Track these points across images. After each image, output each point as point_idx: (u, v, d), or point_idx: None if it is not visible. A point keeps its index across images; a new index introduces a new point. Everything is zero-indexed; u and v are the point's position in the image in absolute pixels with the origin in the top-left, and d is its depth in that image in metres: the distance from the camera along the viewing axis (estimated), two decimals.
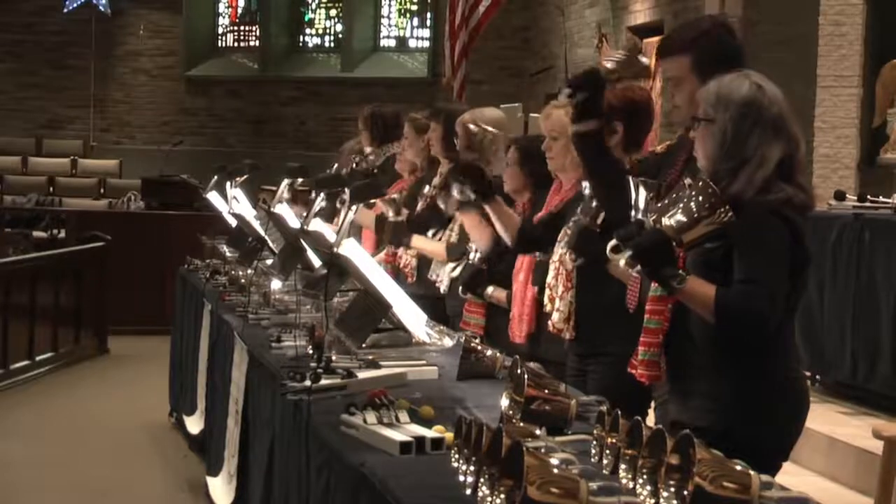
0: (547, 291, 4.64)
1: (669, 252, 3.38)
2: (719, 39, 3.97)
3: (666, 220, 3.37)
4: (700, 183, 3.38)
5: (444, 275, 5.90)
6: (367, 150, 7.38)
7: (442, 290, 5.88)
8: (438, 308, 5.72)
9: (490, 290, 5.44)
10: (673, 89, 3.99)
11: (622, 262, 3.41)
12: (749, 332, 3.43)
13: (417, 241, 6.13)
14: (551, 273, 4.62)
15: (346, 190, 4.85)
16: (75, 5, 18.84)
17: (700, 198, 3.34)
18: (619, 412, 3.05)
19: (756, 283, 3.37)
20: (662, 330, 3.59)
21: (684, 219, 3.35)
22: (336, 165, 7.69)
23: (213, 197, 7.98)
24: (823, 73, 9.85)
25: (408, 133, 6.79)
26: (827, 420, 6.86)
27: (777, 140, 3.46)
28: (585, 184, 4.34)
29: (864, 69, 9.88)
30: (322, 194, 5.51)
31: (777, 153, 3.45)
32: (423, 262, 6.20)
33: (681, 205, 3.36)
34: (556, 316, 4.58)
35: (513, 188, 5.28)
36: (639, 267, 3.40)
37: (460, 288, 5.57)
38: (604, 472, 2.97)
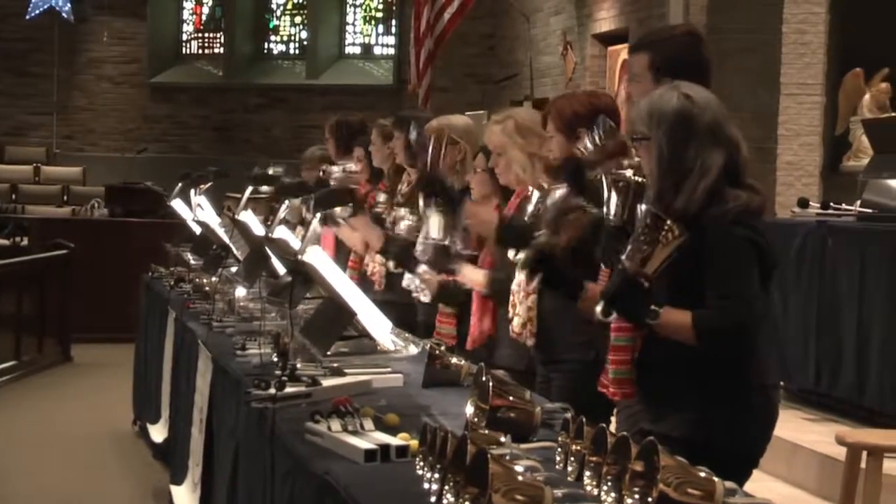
0: (511, 297, 4.62)
1: (637, 292, 3.36)
2: (683, 45, 3.96)
3: (626, 261, 3.36)
4: (643, 210, 3.38)
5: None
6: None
7: (423, 299, 5.71)
8: (408, 315, 5.68)
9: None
10: (630, 86, 3.99)
11: (597, 313, 3.40)
12: (734, 347, 3.43)
13: (468, 271, 5.09)
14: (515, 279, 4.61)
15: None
16: (38, 12, 18.72)
17: (646, 225, 3.34)
18: (584, 419, 3.04)
19: (730, 298, 3.37)
20: (634, 347, 3.54)
21: (640, 251, 3.34)
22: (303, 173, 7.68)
23: (177, 204, 7.95)
24: (787, 80, 9.92)
25: (374, 139, 6.77)
26: (790, 426, 6.88)
27: (716, 147, 3.44)
28: (536, 193, 4.30)
29: (828, 77, 9.96)
30: (287, 202, 5.49)
31: (719, 160, 3.43)
32: None
33: (636, 238, 3.35)
34: (515, 321, 4.55)
35: (481, 194, 5.25)
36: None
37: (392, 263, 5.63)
38: (569, 479, 2.97)
